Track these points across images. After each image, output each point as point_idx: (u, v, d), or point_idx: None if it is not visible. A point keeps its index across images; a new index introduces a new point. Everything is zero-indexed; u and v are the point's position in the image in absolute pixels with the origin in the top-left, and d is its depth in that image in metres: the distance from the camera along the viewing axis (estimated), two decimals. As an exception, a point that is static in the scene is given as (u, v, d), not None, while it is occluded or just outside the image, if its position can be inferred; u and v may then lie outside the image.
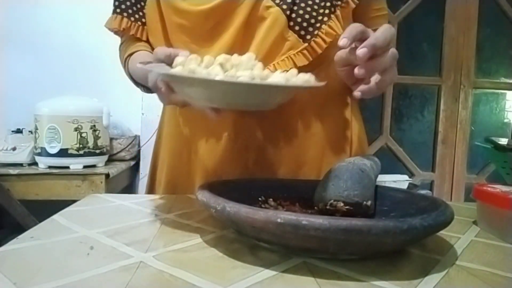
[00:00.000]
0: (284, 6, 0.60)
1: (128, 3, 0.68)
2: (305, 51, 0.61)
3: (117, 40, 0.77)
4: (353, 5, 0.63)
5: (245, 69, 0.45)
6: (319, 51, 0.61)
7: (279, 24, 0.60)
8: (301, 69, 0.50)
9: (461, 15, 2.13)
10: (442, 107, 2.20)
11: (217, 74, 0.43)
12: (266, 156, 0.66)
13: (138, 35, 0.70)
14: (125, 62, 0.71)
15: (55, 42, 1.90)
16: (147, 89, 0.67)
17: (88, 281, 0.33)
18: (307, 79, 0.46)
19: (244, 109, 0.59)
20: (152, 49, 0.69)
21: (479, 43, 2.16)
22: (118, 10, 0.69)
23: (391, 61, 0.50)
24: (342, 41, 0.46)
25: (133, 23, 0.69)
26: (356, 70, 0.47)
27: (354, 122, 0.72)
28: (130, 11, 0.68)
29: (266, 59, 0.60)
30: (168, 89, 0.48)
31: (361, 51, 0.45)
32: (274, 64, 0.61)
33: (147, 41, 0.71)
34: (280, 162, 0.67)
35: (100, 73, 1.87)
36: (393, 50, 0.50)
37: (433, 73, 2.20)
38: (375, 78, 0.51)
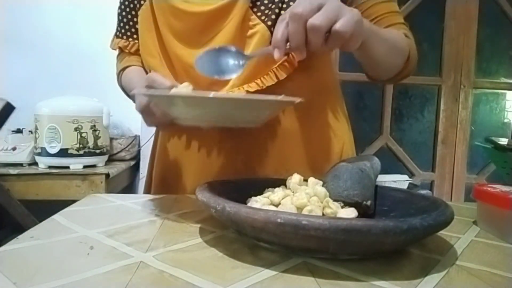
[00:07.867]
0: (269, 23, 0.61)
1: (121, 24, 0.74)
2: (285, 63, 0.64)
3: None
4: None
5: None
6: (296, 64, 0.64)
7: (265, 41, 0.62)
8: (283, 81, 0.61)
9: (461, 15, 2.13)
10: (442, 107, 2.20)
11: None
12: (254, 157, 0.68)
13: (133, 51, 0.75)
14: (118, 75, 0.77)
15: (55, 42, 1.90)
16: None
17: (88, 281, 0.33)
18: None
19: (230, 125, 0.59)
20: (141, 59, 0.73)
21: (479, 43, 2.16)
22: (116, 32, 0.76)
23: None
24: (276, 56, 0.48)
25: (129, 41, 0.74)
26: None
27: (341, 122, 0.74)
28: (123, 30, 0.74)
29: (252, 74, 0.63)
30: (160, 112, 0.55)
31: (276, 56, 0.48)
32: (260, 79, 0.64)
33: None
34: (268, 163, 0.68)
35: (100, 73, 1.85)
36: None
37: (433, 73, 2.20)
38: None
